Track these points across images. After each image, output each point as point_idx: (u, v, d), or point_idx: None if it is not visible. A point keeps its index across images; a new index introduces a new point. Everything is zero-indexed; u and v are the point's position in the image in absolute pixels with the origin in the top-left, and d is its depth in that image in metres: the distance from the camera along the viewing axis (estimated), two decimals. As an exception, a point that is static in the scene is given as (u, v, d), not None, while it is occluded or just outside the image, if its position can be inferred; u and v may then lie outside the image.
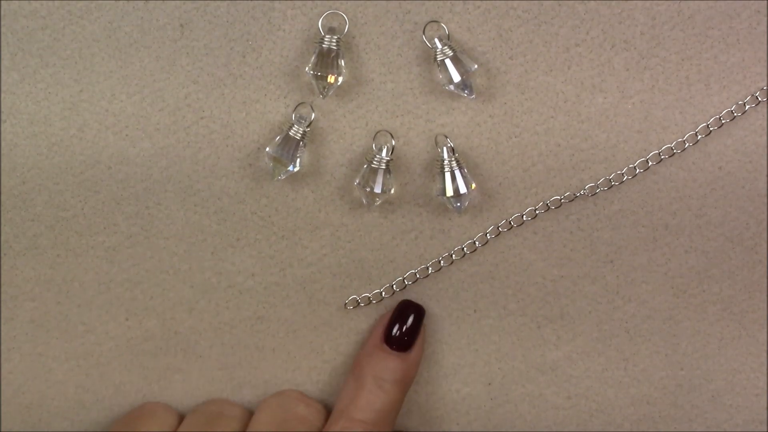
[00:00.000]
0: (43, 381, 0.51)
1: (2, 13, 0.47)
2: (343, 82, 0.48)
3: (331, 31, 0.47)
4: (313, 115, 0.48)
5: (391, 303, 0.50)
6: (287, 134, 0.47)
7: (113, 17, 0.47)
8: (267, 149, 0.47)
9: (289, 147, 0.47)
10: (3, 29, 0.47)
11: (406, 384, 0.47)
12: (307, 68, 0.47)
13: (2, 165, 0.48)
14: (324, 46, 0.46)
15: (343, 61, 0.47)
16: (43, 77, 0.48)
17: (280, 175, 0.48)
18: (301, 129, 0.47)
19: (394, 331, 0.47)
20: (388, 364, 0.46)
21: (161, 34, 0.48)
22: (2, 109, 0.48)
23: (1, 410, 0.51)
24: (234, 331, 0.50)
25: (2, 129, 0.48)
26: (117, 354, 0.50)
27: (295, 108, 0.48)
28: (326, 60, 0.47)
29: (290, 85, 0.48)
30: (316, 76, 0.47)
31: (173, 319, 0.50)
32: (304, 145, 0.48)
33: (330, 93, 0.47)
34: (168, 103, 0.48)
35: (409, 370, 0.47)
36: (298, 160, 0.47)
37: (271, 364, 0.51)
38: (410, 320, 0.47)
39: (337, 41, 0.47)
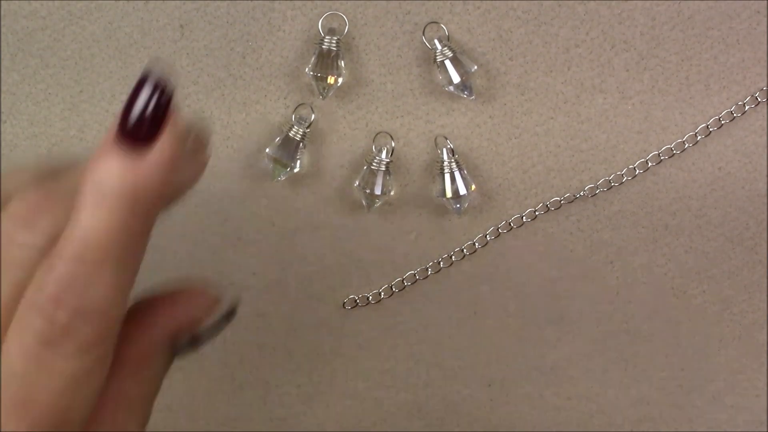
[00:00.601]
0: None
1: (2, 13, 0.47)
2: (343, 83, 0.48)
3: (331, 32, 0.47)
4: (313, 116, 0.48)
5: (390, 304, 0.50)
6: (287, 135, 0.47)
7: (113, 18, 0.47)
8: (267, 150, 0.47)
9: (289, 148, 0.47)
10: (3, 29, 0.47)
11: (137, 201, 0.28)
12: (307, 69, 0.47)
13: (2, 165, 0.48)
14: (324, 47, 0.46)
15: (343, 62, 0.47)
16: (43, 78, 0.48)
17: (280, 176, 0.48)
18: (301, 130, 0.47)
19: (129, 118, 0.28)
20: (110, 169, 0.27)
21: (161, 35, 0.48)
22: (2, 110, 0.48)
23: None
24: (235, 328, 0.50)
25: (2, 129, 0.48)
26: (118, 353, 0.50)
27: (295, 109, 0.48)
28: (326, 61, 0.47)
29: (290, 86, 0.48)
30: (316, 77, 0.47)
31: (174, 317, 0.50)
32: (304, 146, 0.48)
33: (330, 94, 0.47)
34: (168, 103, 0.48)
35: (142, 177, 0.27)
36: (298, 161, 0.47)
37: (271, 363, 0.51)
38: (148, 98, 0.28)
39: (337, 42, 0.47)
